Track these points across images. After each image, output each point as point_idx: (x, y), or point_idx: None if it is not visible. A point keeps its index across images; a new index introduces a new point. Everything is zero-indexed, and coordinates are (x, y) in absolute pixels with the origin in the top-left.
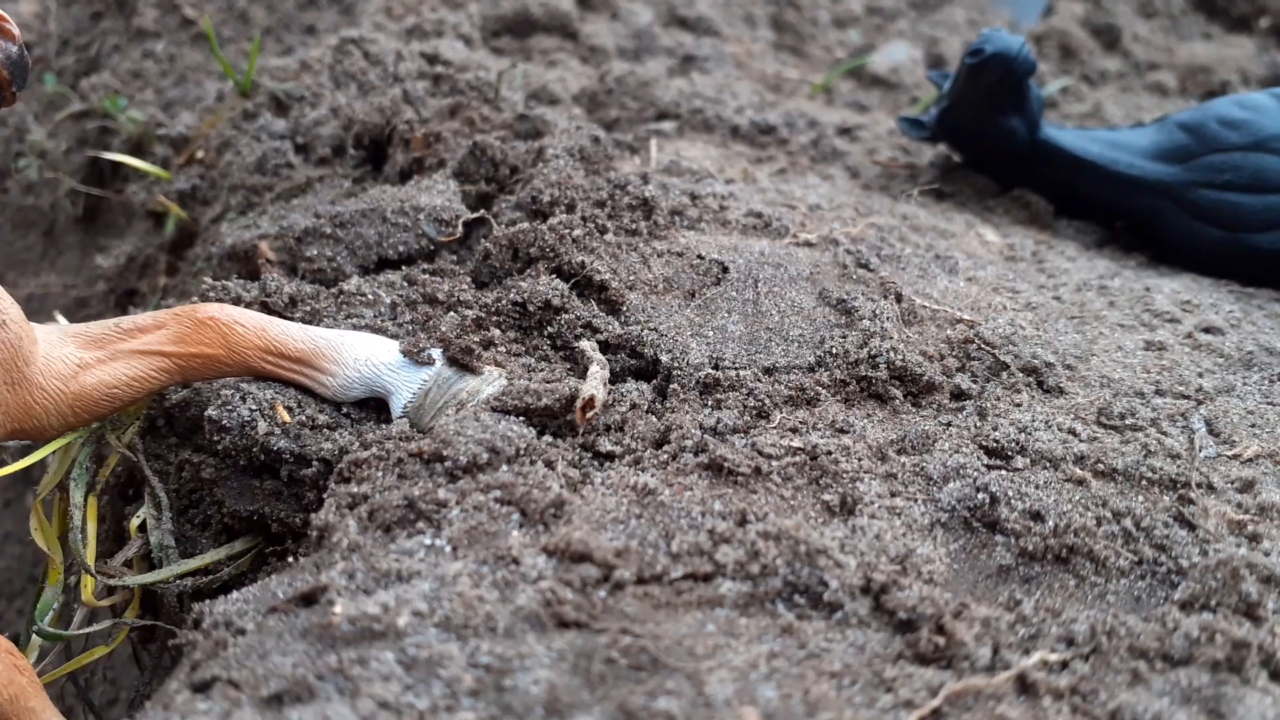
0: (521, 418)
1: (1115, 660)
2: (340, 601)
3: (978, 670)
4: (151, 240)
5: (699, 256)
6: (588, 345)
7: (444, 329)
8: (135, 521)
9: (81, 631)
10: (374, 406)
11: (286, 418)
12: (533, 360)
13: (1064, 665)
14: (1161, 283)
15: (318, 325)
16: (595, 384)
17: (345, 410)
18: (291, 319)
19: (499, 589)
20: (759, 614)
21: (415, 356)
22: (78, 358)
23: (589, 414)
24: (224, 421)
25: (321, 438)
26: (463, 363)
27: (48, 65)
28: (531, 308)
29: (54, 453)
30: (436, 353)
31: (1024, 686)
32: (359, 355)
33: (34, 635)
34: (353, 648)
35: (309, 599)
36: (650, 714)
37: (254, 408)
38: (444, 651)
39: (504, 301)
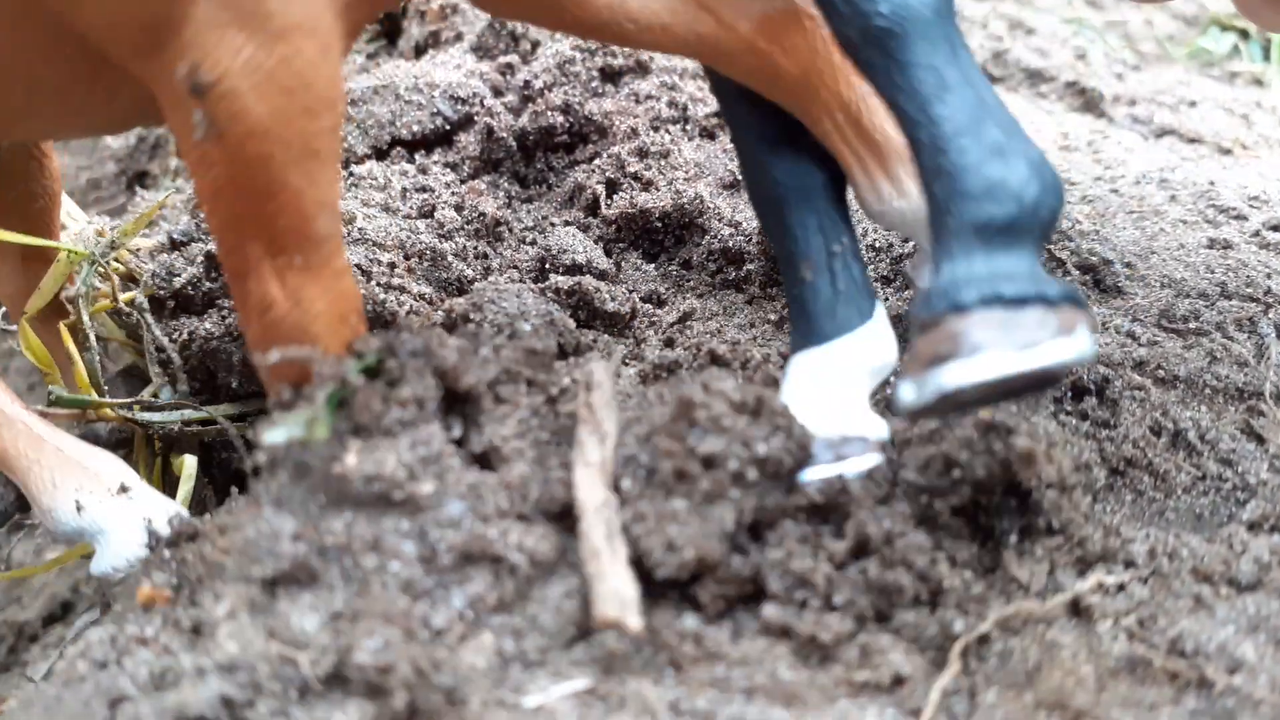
0: None
1: (1176, 584)
2: (354, 449)
3: (1029, 593)
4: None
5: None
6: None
7: None
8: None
9: (103, 399)
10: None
11: None
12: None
13: (1121, 588)
14: (1227, 176)
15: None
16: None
17: (360, 263)
18: None
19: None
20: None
21: None
22: None
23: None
24: None
25: None
26: None
27: None
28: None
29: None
30: None
31: (1077, 610)
32: None
33: (51, 403)
34: (364, 517)
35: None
36: None
37: None
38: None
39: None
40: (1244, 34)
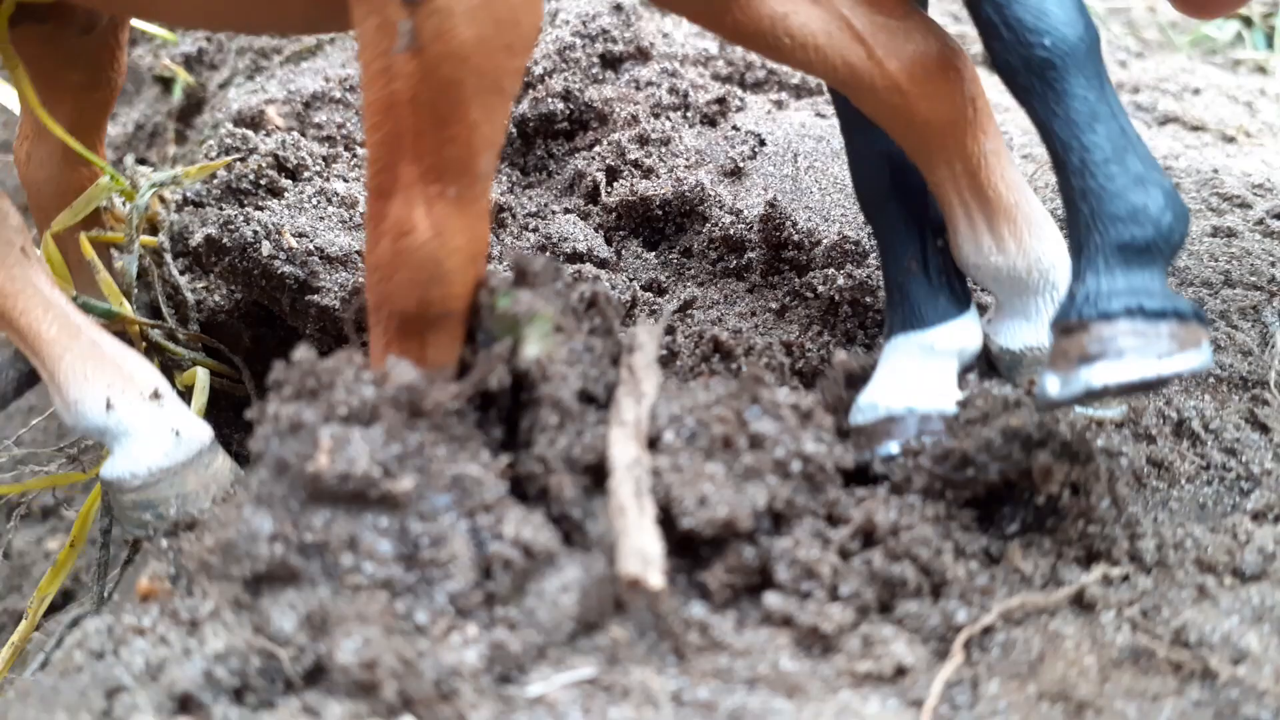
0: None
1: (1180, 574)
2: (325, 448)
3: (1032, 584)
4: (160, 107)
5: (734, 128)
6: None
7: None
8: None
9: (130, 315)
10: None
11: (293, 244)
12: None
13: (1124, 579)
14: (1231, 164)
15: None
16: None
17: (361, 249)
18: (299, 180)
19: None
20: None
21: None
22: None
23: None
24: (224, 241)
25: (336, 268)
26: None
27: None
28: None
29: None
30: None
31: (1081, 601)
32: (1045, 255)
33: (78, 304)
34: (343, 514)
35: (296, 426)
36: None
37: (258, 230)
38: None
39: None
40: (1247, 21)
